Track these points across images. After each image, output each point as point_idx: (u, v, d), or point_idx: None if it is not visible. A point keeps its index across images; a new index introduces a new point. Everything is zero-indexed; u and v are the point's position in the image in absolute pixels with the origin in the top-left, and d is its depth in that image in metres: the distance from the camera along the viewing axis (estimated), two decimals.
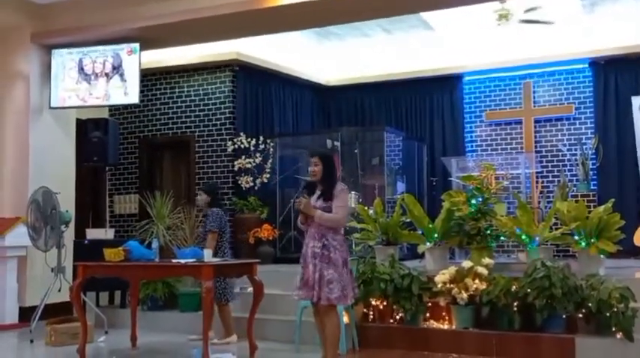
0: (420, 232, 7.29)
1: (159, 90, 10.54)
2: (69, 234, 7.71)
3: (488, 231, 6.92)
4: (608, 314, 5.50)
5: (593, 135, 10.18)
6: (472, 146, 11.07)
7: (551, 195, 9.62)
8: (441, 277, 6.23)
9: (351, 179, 9.41)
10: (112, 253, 5.95)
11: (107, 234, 8.54)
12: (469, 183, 7.27)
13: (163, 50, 9.14)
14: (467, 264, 6.29)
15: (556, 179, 10.27)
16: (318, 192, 5.13)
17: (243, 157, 9.74)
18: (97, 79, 8.35)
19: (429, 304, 6.34)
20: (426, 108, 11.36)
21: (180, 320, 7.30)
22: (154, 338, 6.87)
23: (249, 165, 9.70)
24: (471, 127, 11.11)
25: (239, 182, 9.76)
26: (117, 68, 8.29)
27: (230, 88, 10.06)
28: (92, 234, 8.48)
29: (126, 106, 10.19)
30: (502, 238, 7.19)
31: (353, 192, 8.80)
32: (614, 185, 9.90)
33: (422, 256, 7.54)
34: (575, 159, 10.20)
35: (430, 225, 7.12)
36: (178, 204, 9.20)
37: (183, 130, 10.35)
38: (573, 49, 10.05)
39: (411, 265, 6.84)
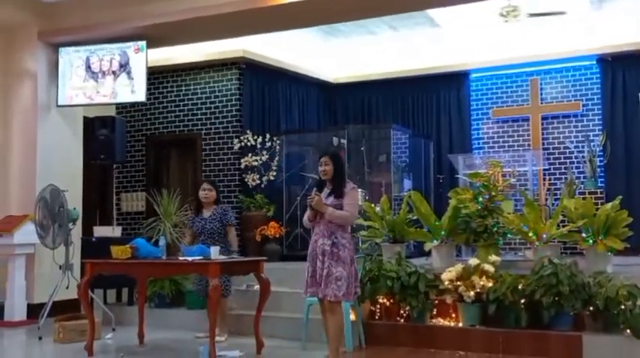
0: (426, 229, 7.29)
1: (166, 88, 10.56)
2: (76, 232, 7.75)
3: (495, 229, 6.90)
4: (615, 311, 5.49)
5: (600, 132, 10.12)
6: (479, 143, 11.03)
7: (558, 192, 9.56)
8: (448, 275, 6.24)
9: (358, 176, 9.39)
10: (119, 251, 5.97)
11: (114, 231, 8.56)
12: (476, 180, 7.25)
13: (170, 48, 9.16)
14: (473, 261, 6.29)
15: (563, 176, 10.22)
16: (327, 190, 5.16)
17: (250, 155, 9.75)
18: (104, 77, 8.37)
19: (436, 302, 6.34)
20: (433, 105, 11.32)
21: (188, 318, 7.32)
22: (161, 336, 6.89)
23: (255, 163, 9.72)
24: (477, 124, 11.07)
25: (245, 180, 9.77)
26: (124, 66, 8.31)
27: (236, 86, 10.06)
28: (99, 231, 8.52)
29: (133, 104, 10.20)
30: (509, 235, 7.16)
31: (359, 190, 8.79)
32: (621, 182, 9.83)
33: (428, 254, 7.52)
34: (583, 157, 10.14)
35: (437, 223, 7.12)
36: (185, 202, 9.21)
37: (190, 128, 10.37)
38: (580, 45, 9.98)
39: (417, 263, 6.85)
